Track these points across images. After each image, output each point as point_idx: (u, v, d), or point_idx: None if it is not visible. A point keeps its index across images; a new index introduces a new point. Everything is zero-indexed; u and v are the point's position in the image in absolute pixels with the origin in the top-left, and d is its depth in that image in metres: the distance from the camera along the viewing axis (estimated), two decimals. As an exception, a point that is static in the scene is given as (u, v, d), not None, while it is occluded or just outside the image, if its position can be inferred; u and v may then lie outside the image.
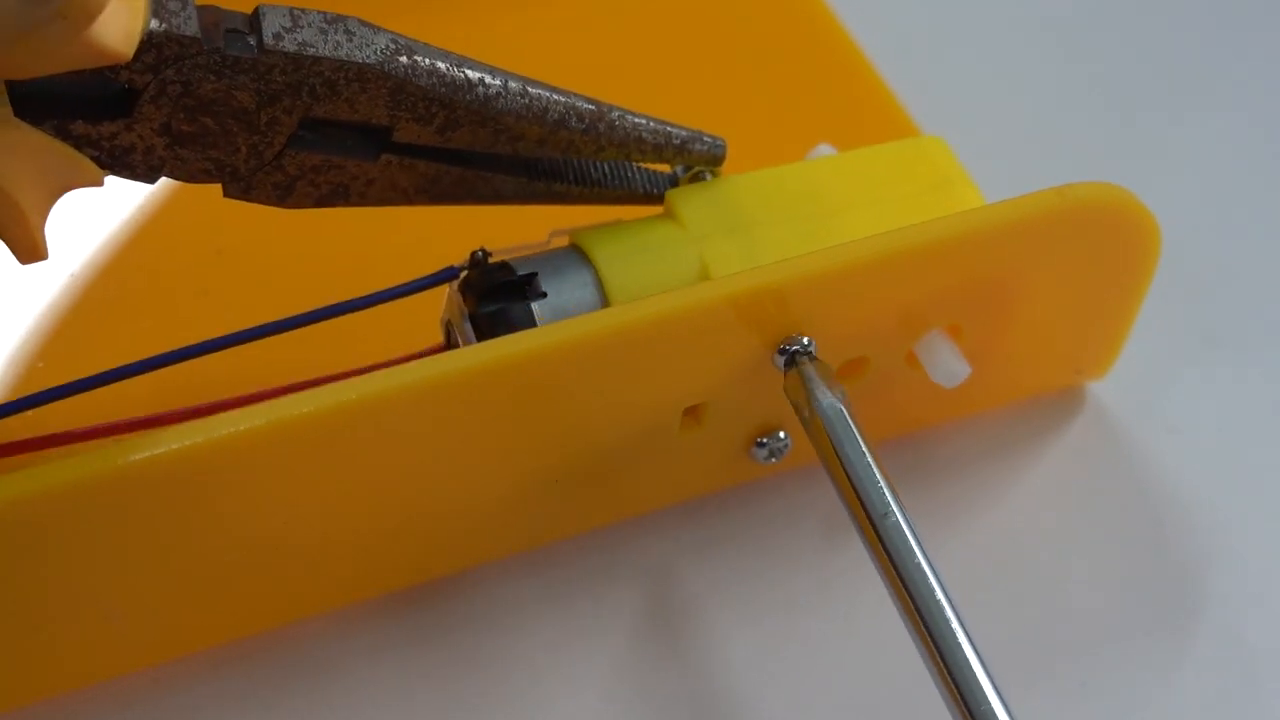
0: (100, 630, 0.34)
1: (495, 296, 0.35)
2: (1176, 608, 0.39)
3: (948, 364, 0.37)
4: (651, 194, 0.37)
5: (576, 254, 0.36)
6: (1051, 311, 0.38)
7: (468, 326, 0.35)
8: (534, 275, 0.35)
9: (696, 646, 0.37)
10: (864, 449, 0.34)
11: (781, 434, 0.37)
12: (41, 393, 0.34)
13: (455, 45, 0.39)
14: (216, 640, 0.36)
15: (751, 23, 0.49)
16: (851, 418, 0.34)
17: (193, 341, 0.38)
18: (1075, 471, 0.41)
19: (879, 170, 0.38)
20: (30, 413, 0.34)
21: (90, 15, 0.29)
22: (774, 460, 0.37)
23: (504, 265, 0.35)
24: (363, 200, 0.35)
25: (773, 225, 0.36)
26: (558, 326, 0.33)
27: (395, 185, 0.35)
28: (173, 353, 0.34)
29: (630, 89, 0.45)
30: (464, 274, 0.35)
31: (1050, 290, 0.38)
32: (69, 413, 0.35)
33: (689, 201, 0.36)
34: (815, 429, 0.34)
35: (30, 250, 0.31)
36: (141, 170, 0.33)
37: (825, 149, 0.40)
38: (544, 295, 0.35)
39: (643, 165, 0.37)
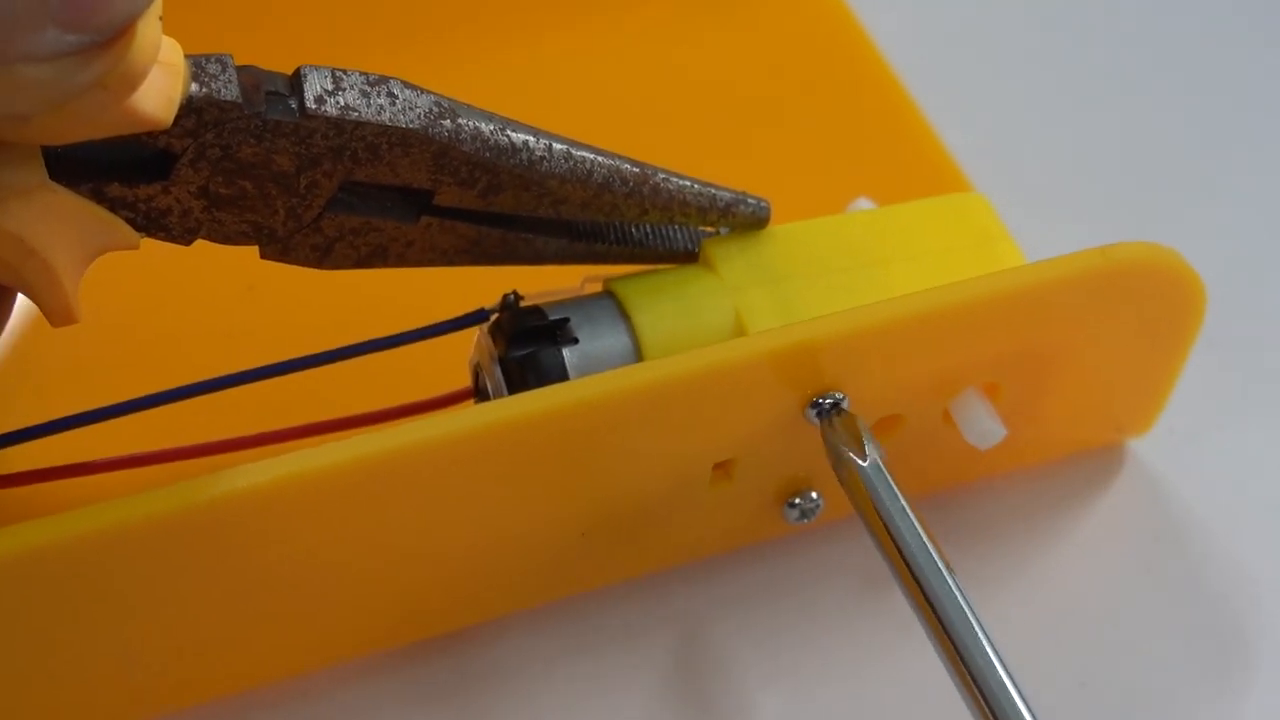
0: (95, 682, 0.34)
1: (526, 341, 0.34)
2: (1224, 666, 0.38)
3: (983, 424, 0.36)
4: (693, 252, 0.36)
5: (610, 301, 0.35)
6: (1093, 370, 0.38)
7: (497, 370, 0.34)
8: (566, 320, 0.35)
9: (727, 702, 0.37)
10: (905, 506, 0.33)
11: (814, 494, 0.36)
12: (65, 419, 0.34)
13: (482, 86, 0.39)
14: (235, 688, 0.36)
15: (796, 67, 0.48)
16: (890, 474, 0.33)
17: (231, 395, 0.39)
18: (1117, 530, 0.40)
19: (919, 225, 0.37)
20: (51, 441, 0.34)
21: (132, 85, 0.28)
22: (806, 521, 0.37)
23: (536, 309, 0.35)
24: (401, 261, 0.34)
25: (809, 278, 0.36)
26: (592, 381, 0.33)
27: (435, 247, 0.34)
28: (197, 384, 0.34)
29: (667, 134, 0.46)
30: (495, 316, 0.35)
31: (1092, 349, 0.37)
32: (91, 443, 0.35)
33: (725, 252, 0.36)
34: (854, 485, 0.34)
35: (63, 313, 0.31)
36: (178, 232, 0.32)
37: (864, 203, 0.39)
38: (576, 341, 0.34)
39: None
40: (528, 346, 0.34)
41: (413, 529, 0.34)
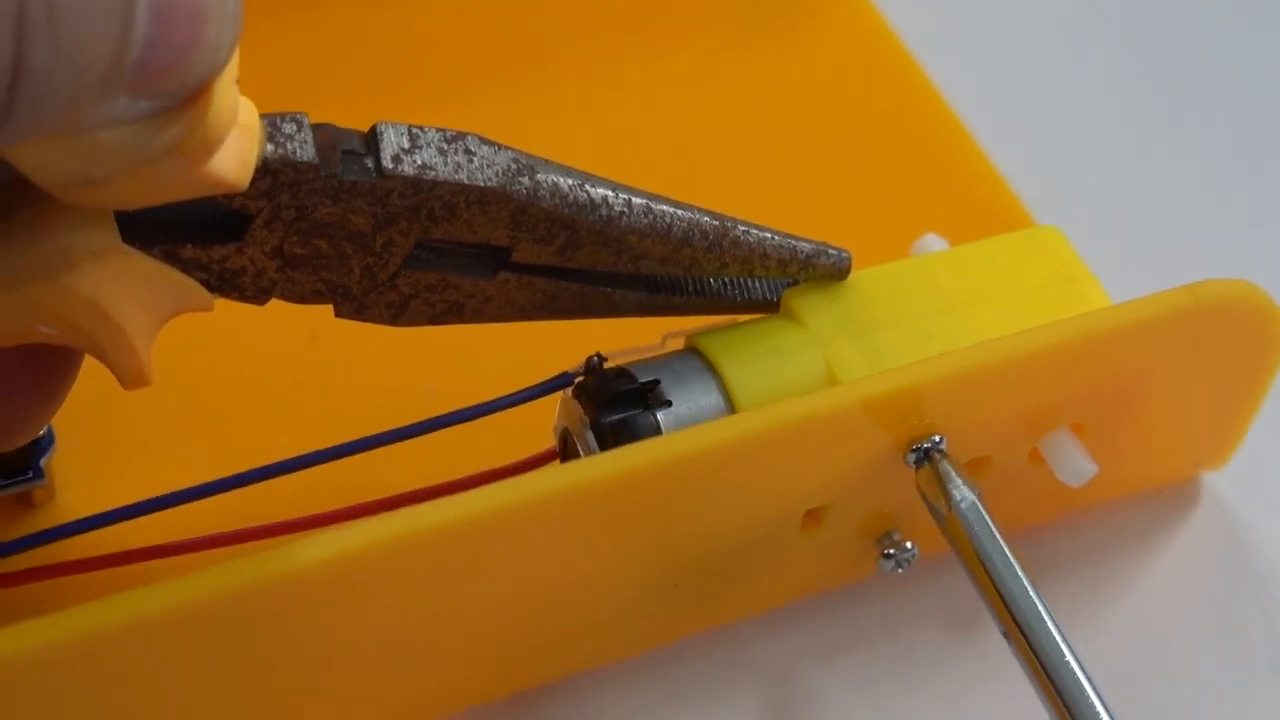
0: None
1: (618, 405, 0.34)
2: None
3: (1075, 463, 0.36)
4: (771, 302, 0.36)
5: (697, 359, 0.35)
6: (1176, 406, 0.38)
7: (590, 436, 0.34)
8: (656, 382, 0.34)
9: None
10: (1004, 546, 0.33)
11: (908, 544, 0.36)
12: (139, 505, 0.33)
13: (540, 133, 0.39)
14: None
15: (850, 101, 0.48)
16: (989, 515, 0.33)
17: (293, 438, 0.38)
18: (1197, 564, 0.40)
19: (997, 264, 0.37)
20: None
21: (209, 150, 0.27)
22: (901, 570, 0.36)
23: (623, 372, 0.34)
24: (478, 317, 0.34)
25: (893, 325, 0.35)
26: (690, 434, 0.33)
27: (512, 302, 0.34)
28: (274, 465, 0.34)
29: (723, 172, 0.45)
30: (579, 379, 0.34)
31: (1176, 386, 0.37)
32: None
33: (809, 302, 0.36)
34: (952, 527, 0.33)
35: (136, 377, 0.30)
36: (251, 293, 0.32)
37: (933, 239, 0.39)
38: (669, 404, 0.34)
39: None
40: (621, 411, 0.34)
41: (505, 587, 0.33)
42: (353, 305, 0.33)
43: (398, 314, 0.33)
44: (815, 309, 0.35)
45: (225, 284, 0.32)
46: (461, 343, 0.38)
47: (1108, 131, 0.49)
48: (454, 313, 0.34)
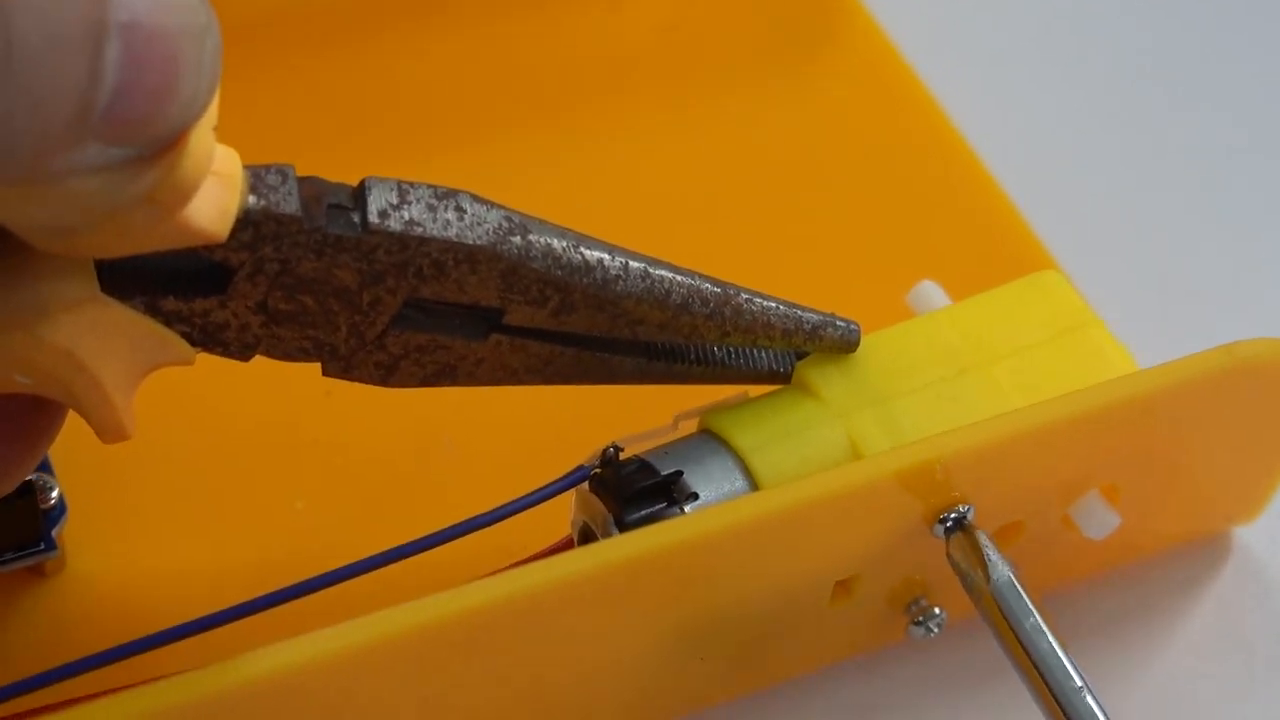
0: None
1: (642, 501, 0.33)
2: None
3: (1101, 519, 0.35)
4: (779, 373, 0.35)
5: (717, 444, 0.34)
6: (1206, 464, 0.37)
7: (615, 534, 0.33)
8: (679, 474, 0.33)
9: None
10: (1041, 623, 0.32)
11: (937, 610, 0.36)
12: (146, 640, 0.32)
13: (534, 184, 0.38)
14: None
15: (869, 140, 0.47)
16: (1024, 587, 0.33)
17: (310, 501, 0.38)
18: (1229, 621, 0.39)
19: (1004, 318, 0.36)
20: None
21: (184, 198, 0.27)
22: (931, 635, 0.36)
23: (644, 464, 0.33)
24: (471, 380, 0.33)
25: (911, 393, 0.35)
26: (716, 512, 0.32)
27: (505, 366, 0.33)
28: (282, 592, 0.32)
29: (735, 211, 0.45)
30: (595, 472, 0.33)
31: (1207, 444, 0.36)
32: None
33: (823, 374, 0.34)
34: (986, 601, 0.33)
35: (113, 430, 0.30)
36: (235, 348, 0.31)
37: (929, 286, 0.38)
38: (695, 496, 0.33)
39: None
40: (645, 507, 0.33)
41: (529, 667, 0.33)
42: (340, 364, 0.32)
43: (387, 375, 0.32)
44: (830, 381, 0.34)
45: (208, 338, 0.31)
46: (475, 397, 0.37)
47: (1127, 174, 0.48)
48: (446, 375, 0.33)
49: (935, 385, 0.35)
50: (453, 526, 0.33)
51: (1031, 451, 0.34)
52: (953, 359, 0.35)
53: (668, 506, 0.33)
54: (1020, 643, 0.32)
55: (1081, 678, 0.32)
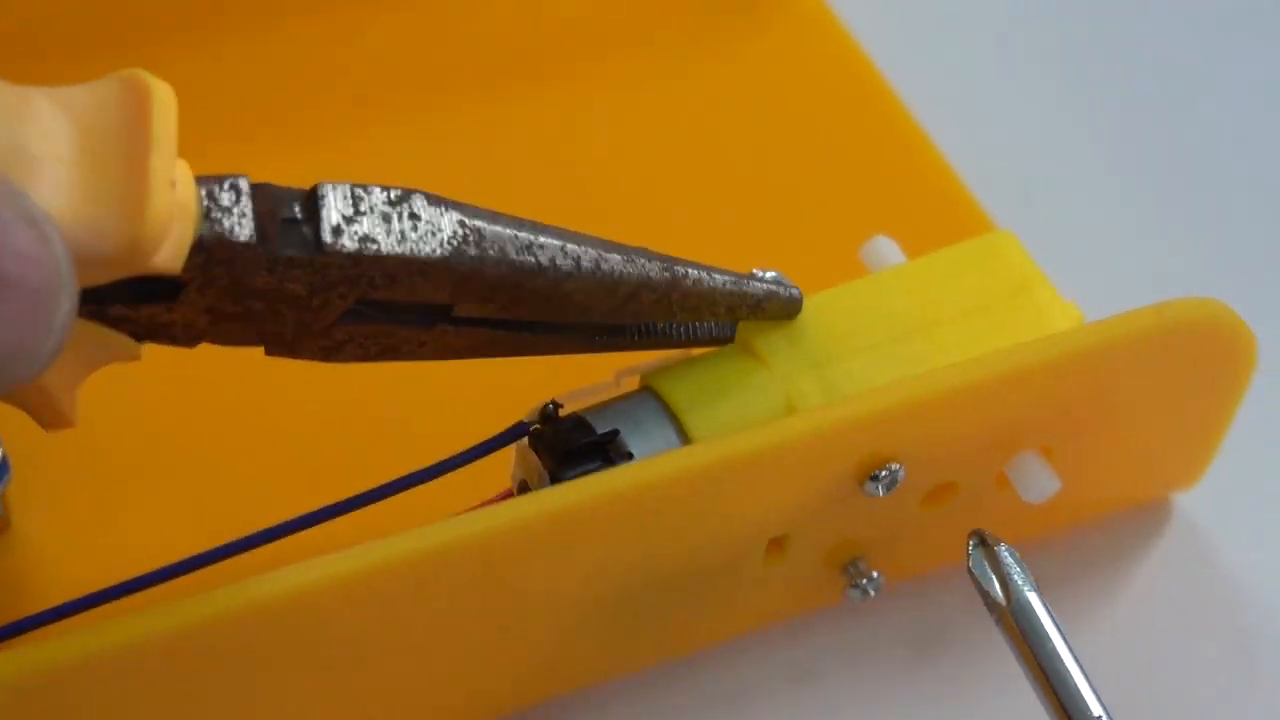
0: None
1: (577, 459, 0.33)
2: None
3: (1039, 482, 0.35)
4: (721, 337, 0.35)
5: (655, 403, 0.34)
6: (1143, 425, 0.37)
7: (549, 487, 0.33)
8: (616, 433, 0.33)
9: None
10: (1066, 647, 0.33)
11: (875, 573, 0.36)
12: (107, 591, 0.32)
13: (477, 133, 0.37)
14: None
15: (812, 106, 0.47)
16: (1047, 608, 0.33)
17: (253, 466, 0.38)
18: (1167, 586, 0.39)
19: (953, 279, 0.36)
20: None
21: (147, 257, 0.27)
22: (868, 598, 0.36)
23: (581, 422, 0.33)
24: (414, 357, 0.33)
25: (853, 355, 0.35)
26: (644, 465, 0.32)
27: (449, 347, 0.33)
28: (234, 544, 0.33)
29: (682, 177, 0.45)
30: (534, 428, 0.34)
31: (1143, 406, 0.37)
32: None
33: (766, 337, 0.35)
34: (1006, 621, 0.33)
35: (58, 424, 0.30)
36: (182, 339, 0.31)
37: (883, 241, 0.38)
38: (630, 456, 0.33)
39: None
40: (580, 465, 0.33)
41: (466, 616, 0.33)
42: (285, 349, 0.32)
43: (330, 354, 0.32)
44: (771, 343, 0.35)
45: (154, 334, 0.30)
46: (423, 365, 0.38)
47: (1069, 136, 0.48)
48: (389, 354, 0.33)
49: (878, 347, 0.35)
50: (392, 481, 0.33)
51: (960, 408, 0.34)
52: (898, 321, 0.35)
53: (602, 465, 0.33)
54: (1040, 665, 0.33)
55: (1101, 705, 0.32)
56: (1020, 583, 0.33)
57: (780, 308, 0.35)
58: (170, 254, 0.28)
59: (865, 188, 0.45)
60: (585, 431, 0.33)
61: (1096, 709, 0.32)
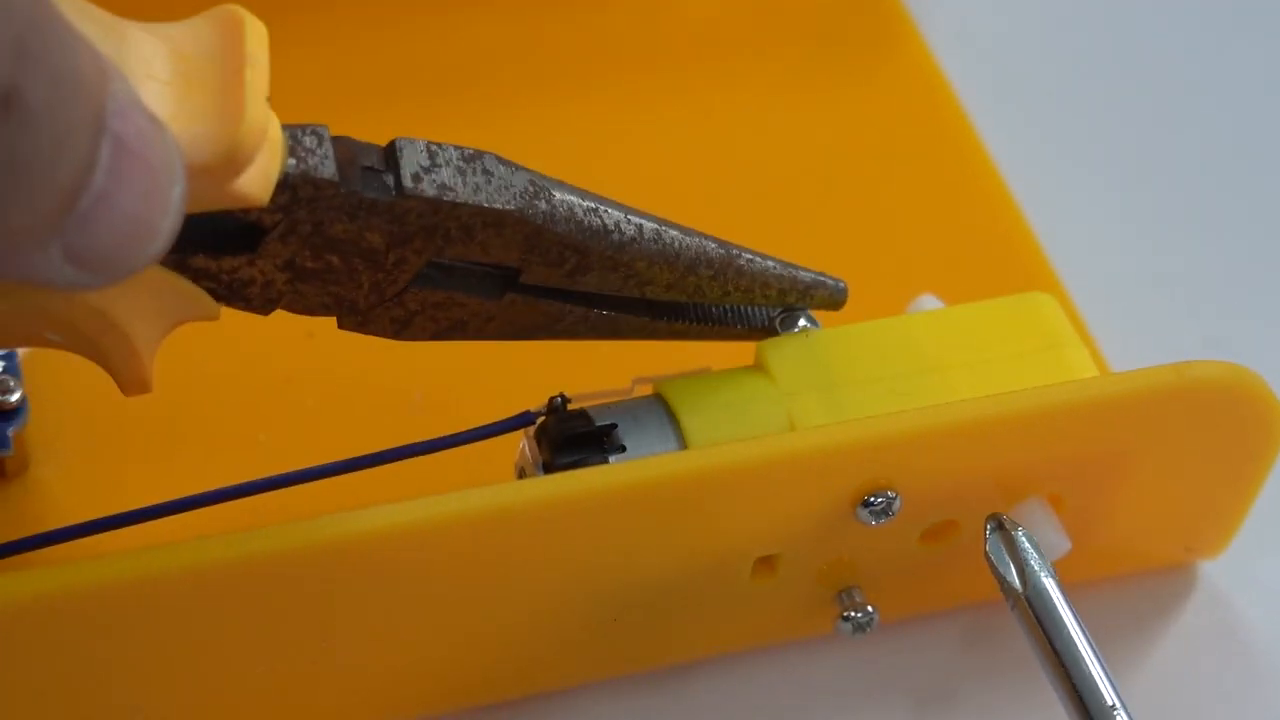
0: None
1: (572, 448, 0.33)
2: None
3: (1046, 537, 0.35)
4: (772, 329, 0.36)
5: (659, 405, 0.34)
6: (1160, 487, 0.36)
7: (541, 476, 0.33)
8: (613, 427, 0.34)
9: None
10: (1083, 634, 0.32)
11: (869, 607, 0.35)
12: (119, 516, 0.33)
13: (564, 152, 0.38)
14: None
15: (898, 152, 0.47)
16: (1064, 594, 0.33)
17: (273, 434, 0.39)
18: (1190, 655, 0.39)
19: (982, 329, 0.36)
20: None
21: (239, 170, 0.28)
22: (860, 635, 0.35)
23: (582, 414, 0.34)
24: (480, 335, 0.34)
25: (865, 383, 0.35)
26: (632, 465, 0.32)
27: (515, 323, 0.34)
28: (237, 487, 0.33)
29: (738, 196, 0.45)
30: (540, 420, 0.34)
31: (1161, 467, 0.36)
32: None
33: (780, 355, 0.35)
34: (1021, 607, 0.33)
35: (138, 383, 0.30)
36: (258, 304, 0.32)
37: (928, 300, 0.38)
38: (623, 449, 0.33)
39: None
40: (573, 454, 0.33)
41: (444, 604, 0.33)
42: (356, 319, 0.33)
43: (400, 329, 0.33)
44: (785, 363, 0.35)
45: (233, 294, 0.31)
46: (454, 352, 0.38)
47: (1154, 205, 0.47)
48: (457, 329, 0.33)
49: (890, 380, 0.35)
50: (389, 450, 0.34)
51: (961, 444, 0.33)
52: (919, 359, 0.35)
53: (593, 455, 0.33)
54: (1056, 652, 0.32)
55: (1116, 695, 0.32)
56: (1037, 569, 0.33)
57: (827, 297, 0.36)
58: (259, 184, 0.29)
59: (936, 239, 0.45)
60: (584, 422, 0.34)
61: (1110, 698, 0.32)
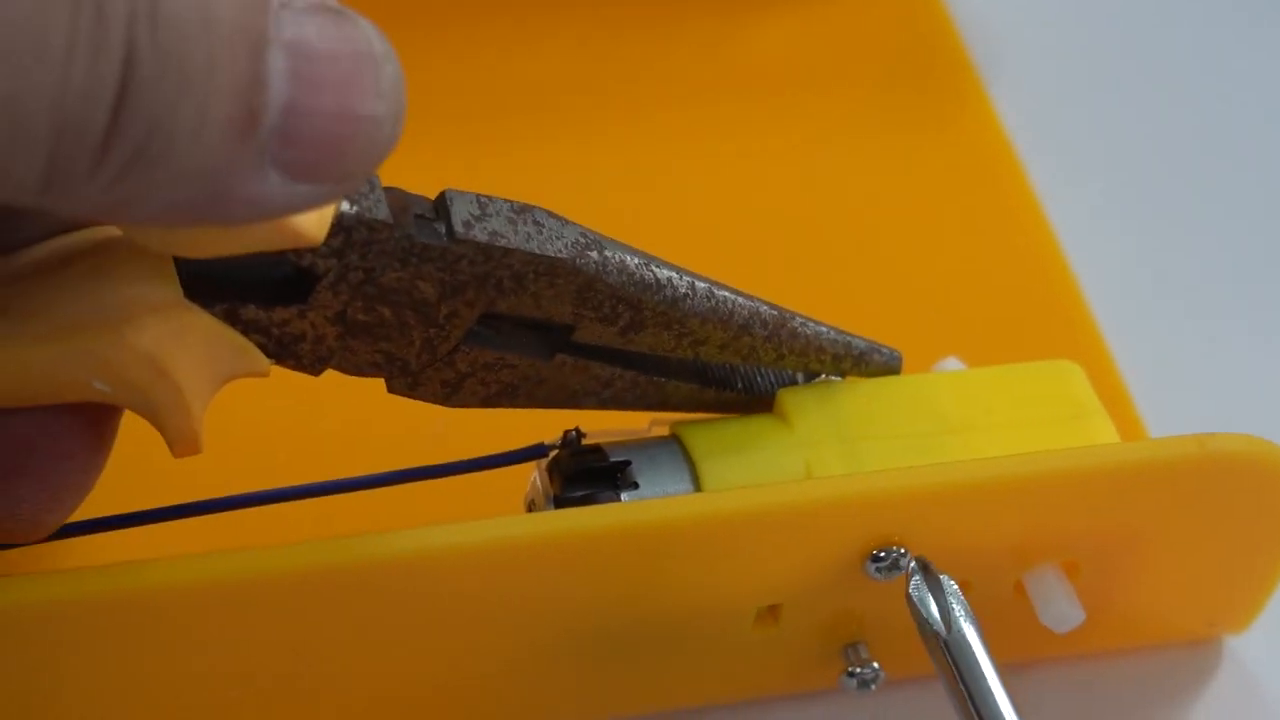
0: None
1: (583, 481, 0.33)
2: None
3: (1059, 606, 0.35)
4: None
5: (675, 446, 0.34)
6: (1180, 559, 0.36)
7: (551, 509, 0.33)
8: (627, 464, 0.34)
9: None
10: (999, 683, 0.32)
11: (875, 664, 0.35)
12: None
13: (605, 203, 0.38)
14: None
15: (953, 206, 0.47)
16: (985, 644, 0.32)
17: (290, 455, 0.39)
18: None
19: (1005, 392, 0.36)
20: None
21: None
22: (866, 691, 0.35)
23: (597, 449, 0.34)
24: (530, 401, 0.34)
25: (885, 438, 0.34)
26: (641, 505, 0.32)
27: (565, 387, 0.33)
28: (247, 496, 0.34)
29: (788, 241, 0.45)
30: (554, 453, 0.34)
31: (1180, 538, 0.35)
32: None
33: (800, 404, 0.35)
34: (937, 655, 0.32)
35: (189, 442, 0.29)
36: (308, 361, 0.31)
37: (952, 363, 0.38)
38: (635, 486, 0.33)
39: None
40: (585, 488, 0.33)
41: (441, 634, 0.33)
42: (407, 380, 0.33)
43: (451, 393, 0.33)
44: (805, 412, 0.35)
45: (284, 350, 0.31)
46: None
47: (1212, 278, 0.47)
48: (506, 395, 0.33)
49: (909, 437, 0.35)
50: (397, 471, 0.34)
51: (974, 503, 0.33)
52: (939, 419, 0.35)
53: (605, 491, 0.33)
54: (970, 698, 0.32)
55: None
56: (960, 615, 0.32)
57: (882, 365, 0.35)
58: (316, 222, 0.28)
59: (984, 296, 0.45)
60: (598, 457, 0.34)
61: None
